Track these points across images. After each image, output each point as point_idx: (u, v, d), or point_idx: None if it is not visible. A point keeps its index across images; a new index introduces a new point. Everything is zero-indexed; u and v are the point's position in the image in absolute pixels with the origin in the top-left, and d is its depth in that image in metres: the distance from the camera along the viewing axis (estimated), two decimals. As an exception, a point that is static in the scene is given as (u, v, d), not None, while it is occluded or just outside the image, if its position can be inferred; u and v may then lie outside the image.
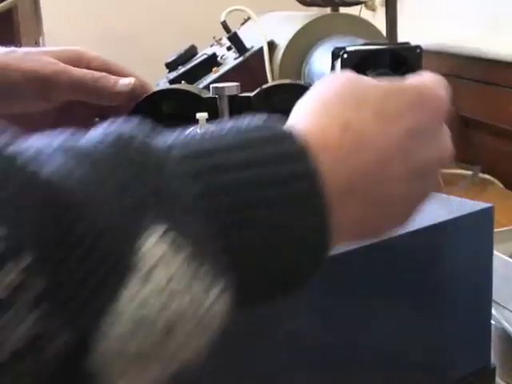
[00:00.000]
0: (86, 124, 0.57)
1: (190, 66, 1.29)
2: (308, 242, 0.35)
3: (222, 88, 0.51)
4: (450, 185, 1.20)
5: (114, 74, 0.60)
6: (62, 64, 0.58)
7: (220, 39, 1.42)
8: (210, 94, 0.55)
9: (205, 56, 1.32)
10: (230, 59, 1.27)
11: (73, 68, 0.58)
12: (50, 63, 0.57)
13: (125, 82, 0.57)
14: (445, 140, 0.44)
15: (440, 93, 0.44)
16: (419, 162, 0.40)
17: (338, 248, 0.50)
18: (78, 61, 0.60)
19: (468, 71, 1.46)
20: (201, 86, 1.22)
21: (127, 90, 0.57)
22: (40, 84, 0.56)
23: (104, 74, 0.58)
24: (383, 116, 0.39)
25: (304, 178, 0.34)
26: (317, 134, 0.36)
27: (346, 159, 0.37)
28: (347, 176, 0.37)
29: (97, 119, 0.61)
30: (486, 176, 1.30)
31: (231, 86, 0.50)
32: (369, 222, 0.40)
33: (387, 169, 0.39)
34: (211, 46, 1.46)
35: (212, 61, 1.29)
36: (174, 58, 1.35)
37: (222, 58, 1.31)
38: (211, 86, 0.51)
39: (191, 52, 1.38)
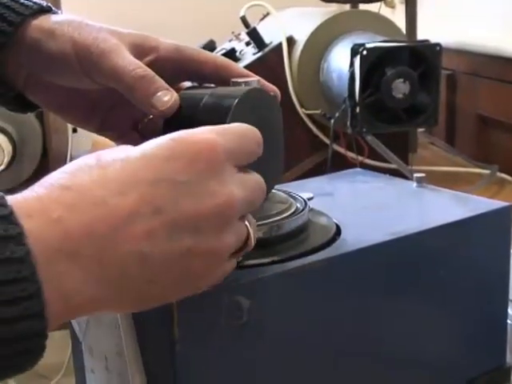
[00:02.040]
0: (130, 117, 0.56)
1: (209, 60, 1.29)
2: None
3: (241, 83, 0.51)
4: (467, 184, 1.20)
5: (190, 66, 0.52)
6: (116, 46, 0.50)
7: (239, 34, 1.42)
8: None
9: (223, 51, 1.32)
10: (249, 54, 1.27)
11: (122, 55, 0.49)
12: (103, 41, 0.50)
13: (162, 99, 0.48)
14: (215, 188, 0.38)
15: (205, 138, 0.39)
16: (173, 216, 0.37)
17: (352, 245, 0.50)
18: (143, 48, 0.51)
19: (487, 70, 1.45)
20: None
21: (161, 110, 0.48)
22: (86, 60, 0.49)
23: (150, 74, 0.49)
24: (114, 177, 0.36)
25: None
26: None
27: (60, 221, 0.34)
28: (62, 238, 0.34)
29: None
30: (504, 175, 1.29)
31: (251, 81, 0.50)
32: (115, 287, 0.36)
33: (124, 229, 0.35)
34: (230, 40, 1.46)
35: (231, 56, 1.29)
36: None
37: (240, 53, 1.31)
38: (231, 80, 0.51)
39: (210, 46, 1.39)
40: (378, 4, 1.52)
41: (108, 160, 0.37)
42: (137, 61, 0.50)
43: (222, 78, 0.52)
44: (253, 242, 0.42)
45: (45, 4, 0.53)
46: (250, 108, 0.48)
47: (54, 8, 0.54)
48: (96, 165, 0.37)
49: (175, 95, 0.49)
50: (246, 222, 0.41)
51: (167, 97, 0.48)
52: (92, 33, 0.51)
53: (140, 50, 0.51)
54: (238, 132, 0.42)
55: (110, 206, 0.36)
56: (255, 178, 0.42)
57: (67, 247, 0.34)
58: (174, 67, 0.52)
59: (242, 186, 0.40)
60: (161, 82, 0.49)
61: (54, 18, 0.52)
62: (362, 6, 1.52)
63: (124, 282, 0.36)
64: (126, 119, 0.56)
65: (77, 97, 0.55)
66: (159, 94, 0.48)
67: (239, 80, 0.51)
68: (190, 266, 0.38)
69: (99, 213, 0.35)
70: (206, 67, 0.52)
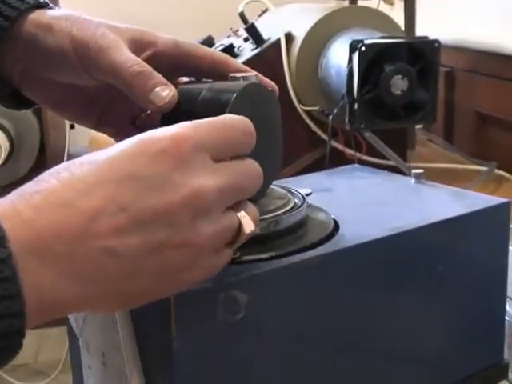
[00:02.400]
0: (129, 112, 0.56)
1: (207, 56, 1.29)
2: None
3: (240, 78, 0.51)
4: (465, 181, 1.20)
5: (188, 61, 0.52)
6: (114, 42, 0.49)
7: (237, 30, 1.42)
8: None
9: (222, 47, 1.31)
10: (247, 50, 1.27)
11: (120, 50, 0.49)
12: (102, 37, 0.49)
13: (160, 94, 0.48)
14: (180, 180, 0.38)
15: (170, 134, 0.39)
16: (139, 212, 0.37)
17: (350, 240, 0.50)
18: (141, 43, 0.51)
19: (485, 67, 1.45)
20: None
21: (159, 105, 0.48)
22: (84, 56, 0.49)
23: (148, 70, 0.48)
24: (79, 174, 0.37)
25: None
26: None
27: (30, 222, 0.35)
28: (34, 238, 0.35)
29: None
30: (502, 172, 1.29)
31: (249, 76, 0.50)
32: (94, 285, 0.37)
33: (91, 227, 0.36)
34: (228, 36, 1.45)
35: (229, 52, 1.29)
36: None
37: (238, 49, 1.30)
38: (229, 75, 0.51)
39: (208, 42, 1.39)
40: (377, 0, 1.52)
41: (76, 164, 0.38)
42: (135, 57, 0.49)
43: (220, 73, 0.52)
44: (246, 232, 0.41)
45: (45, 1, 0.53)
46: (248, 102, 0.48)
47: (50, 3, 0.54)
48: (65, 169, 0.38)
49: (173, 90, 0.48)
50: (240, 213, 0.41)
51: (165, 92, 0.48)
52: (90, 28, 0.50)
53: (138, 45, 0.51)
54: (216, 124, 0.41)
55: (77, 206, 0.36)
56: (243, 167, 0.42)
57: (39, 247, 0.35)
58: (171, 62, 0.52)
59: (219, 175, 0.40)
60: (159, 77, 0.49)
61: (51, 12, 0.52)
62: (361, 3, 1.52)
63: (100, 278, 0.37)
64: (124, 115, 0.55)
65: (74, 93, 0.55)
66: (157, 89, 0.48)
67: (237, 75, 0.51)
68: (165, 260, 0.38)
69: (66, 213, 0.36)
70: (203, 62, 0.52)
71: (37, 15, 0.51)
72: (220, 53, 0.54)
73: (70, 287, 0.36)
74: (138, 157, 0.38)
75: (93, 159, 0.38)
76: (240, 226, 0.41)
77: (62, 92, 0.54)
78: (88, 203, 0.37)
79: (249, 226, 0.41)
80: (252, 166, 0.42)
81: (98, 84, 0.52)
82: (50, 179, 0.37)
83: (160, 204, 0.37)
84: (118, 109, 0.55)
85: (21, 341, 0.35)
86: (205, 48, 0.53)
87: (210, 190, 0.39)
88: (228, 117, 0.43)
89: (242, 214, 0.41)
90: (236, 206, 0.41)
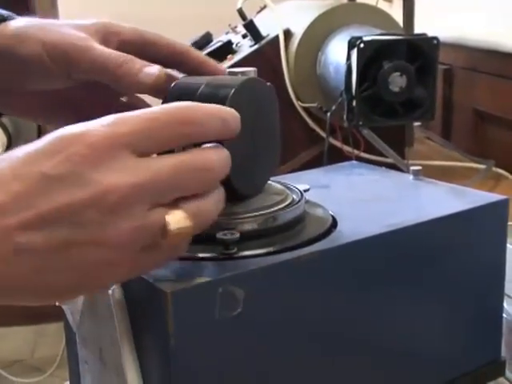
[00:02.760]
0: (108, 107, 0.56)
1: (205, 52, 1.29)
2: None
3: (238, 73, 0.51)
4: (463, 178, 1.20)
5: (150, 49, 0.53)
6: (87, 40, 0.51)
7: (235, 27, 1.42)
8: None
9: (220, 43, 1.31)
10: (245, 47, 1.26)
11: (97, 47, 0.51)
12: (74, 38, 0.51)
13: (149, 72, 0.49)
14: (90, 178, 0.37)
15: (84, 131, 0.39)
16: (45, 209, 0.37)
17: (348, 237, 0.50)
18: (107, 34, 0.53)
19: (484, 64, 1.45)
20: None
21: (150, 82, 0.49)
22: (60, 59, 0.50)
23: (130, 57, 0.50)
24: None
25: None
26: None
27: None
28: None
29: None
30: (500, 170, 1.29)
31: (248, 71, 0.50)
32: None
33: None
34: (226, 33, 1.45)
35: (227, 48, 1.28)
36: (188, 44, 1.35)
37: (237, 45, 1.30)
38: (228, 70, 0.51)
39: (206, 39, 1.38)
40: (376, -3, 1.52)
41: None
42: (113, 50, 0.51)
43: (180, 61, 0.54)
44: (171, 229, 0.39)
45: (4, 12, 0.54)
46: (246, 98, 0.48)
47: (12, 15, 0.54)
48: None
49: (160, 67, 0.50)
50: (174, 210, 0.39)
51: (153, 69, 0.49)
52: (58, 31, 0.52)
53: (106, 38, 0.53)
54: (142, 116, 0.40)
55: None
56: (178, 160, 0.40)
57: None
58: (135, 51, 0.53)
59: (140, 171, 0.38)
60: (141, 61, 0.50)
61: (14, 23, 0.53)
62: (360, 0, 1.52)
63: (8, 272, 0.37)
64: (100, 112, 0.56)
65: (52, 99, 0.55)
66: (145, 69, 0.49)
67: (236, 70, 0.50)
68: (75, 257, 0.38)
69: None
70: (165, 51, 0.54)
71: (1, 29, 0.52)
72: (182, 44, 0.55)
73: None
74: (52, 155, 0.37)
75: (11, 155, 0.38)
76: (165, 223, 0.39)
77: (40, 100, 0.55)
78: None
79: (177, 224, 0.39)
80: (197, 158, 0.40)
81: (73, 86, 0.53)
82: None
83: (65, 202, 0.37)
84: (94, 107, 0.56)
85: None
86: (167, 38, 0.55)
87: (125, 187, 0.38)
88: (161, 108, 0.41)
89: (172, 212, 0.39)
90: (175, 203, 0.40)
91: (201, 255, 0.46)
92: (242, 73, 0.50)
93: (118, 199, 0.37)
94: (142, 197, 0.38)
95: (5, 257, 0.36)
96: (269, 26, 1.27)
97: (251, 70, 0.50)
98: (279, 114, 0.52)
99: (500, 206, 0.58)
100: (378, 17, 1.24)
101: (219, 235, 0.46)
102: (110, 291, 0.45)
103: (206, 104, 0.42)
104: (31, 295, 0.39)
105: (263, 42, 1.23)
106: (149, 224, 0.39)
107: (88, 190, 0.37)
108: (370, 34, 1.07)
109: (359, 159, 1.01)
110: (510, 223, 0.59)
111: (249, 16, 1.32)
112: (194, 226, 0.40)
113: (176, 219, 0.39)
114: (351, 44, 1.05)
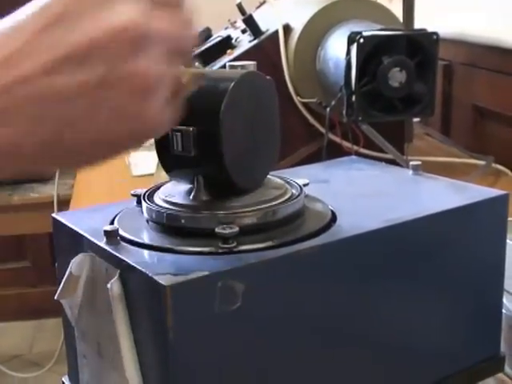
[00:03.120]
0: None
1: (205, 47, 1.29)
2: None
3: (238, 67, 0.50)
4: (462, 175, 1.20)
5: None
6: None
7: (235, 22, 1.41)
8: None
9: (219, 38, 1.31)
10: (245, 42, 1.26)
11: None
12: None
13: None
14: (109, 14, 0.36)
15: None
16: (67, 50, 0.35)
17: (347, 231, 0.50)
18: None
19: (484, 60, 1.44)
20: (215, 68, 1.22)
21: None
22: None
23: None
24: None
25: None
26: None
27: None
28: None
29: None
30: (499, 166, 1.29)
31: (248, 65, 0.50)
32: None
33: (16, 66, 0.34)
34: (226, 28, 1.45)
35: (226, 43, 1.28)
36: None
37: (236, 40, 1.30)
38: (227, 63, 0.51)
39: (206, 34, 1.38)
40: (376, -7, 1.51)
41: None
42: None
43: None
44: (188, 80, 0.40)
45: None
46: (246, 91, 0.47)
47: None
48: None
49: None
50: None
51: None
52: None
53: None
54: None
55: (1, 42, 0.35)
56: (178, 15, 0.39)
57: None
58: None
59: (159, 18, 0.37)
60: None
61: None
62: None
63: (34, 130, 0.35)
64: None
65: None
66: None
67: (236, 64, 0.50)
68: (110, 97, 0.36)
69: None
70: None
71: None
72: None
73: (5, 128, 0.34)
74: None
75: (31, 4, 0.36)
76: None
77: None
78: (13, 41, 0.35)
79: (191, 77, 0.40)
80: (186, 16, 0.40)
81: None
82: None
83: (90, 39, 0.35)
84: None
85: None
86: None
87: (145, 25, 0.36)
88: None
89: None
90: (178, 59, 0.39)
91: (200, 249, 0.46)
92: (242, 66, 0.50)
93: (137, 33, 0.36)
94: (158, 39, 0.37)
95: (31, 108, 0.35)
96: (268, 21, 1.27)
97: (251, 64, 0.50)
98: (278, 110, 0.52)
99: (499, 201, 0.58)
100: (377, 12, 1.24)
101: (218, 229, 0.46)
102: (108, 285, 0.45)
103: None
104: (57, 150, 0.37)
105: (263, 37, 1.23)
106: (171, 73, 0.38)
107: (110, 23, 0.35)
108: (369, 30, 1.07)
109: (358, 155, 1.01)
110: (509, 219, 0.59)
111: (248, 11, 1.32)
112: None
113: (189, 75, 0.41)
114: (351, 39, 1.05)
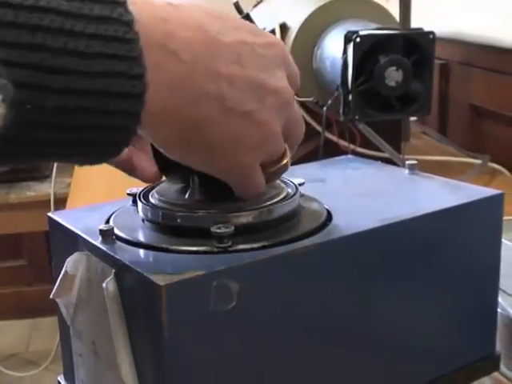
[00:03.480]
0: None
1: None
2: (118, 79, 0.36)
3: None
4: (458, 173, 1.20)
5: None
6: None
7: (232, 20, 1.41)
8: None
9: (216, 37, 1.31)
10: (242, 40, 1.26)
11: None
12: None
13: None
14: (280, 75, 0.46)
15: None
16: (251, 76, 0.43)
17: (343, 231, 0.50)
18: None
19: (480, 60, 1.45)
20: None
21: None
22: None
23: None
24: (222, 19, 0.43)
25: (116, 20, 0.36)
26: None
27: (166, 21, 0.39)
28: (167, 36, 0.39)
29: None
30: (495, 165, 1.29)
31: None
32: (191, 89, 0.40)
33: (217, 59, 0.41)
34: (223, 27, 1.44)
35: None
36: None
37: (233, 39, 1.30)
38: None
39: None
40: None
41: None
42: None
43: None
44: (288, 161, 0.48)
45: None
46: None
47: None
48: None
49: None
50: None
51: None
52: None
53: None
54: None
55: (210, 34, 0.41)
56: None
57: (170, 45, 0.39)
58: None
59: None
60: None
61: None
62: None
63: (204, 101, 0.41)
64: None
65: None
66: None
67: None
68: (245, 133, 0.43)
69: (200, 35, 0.40)
70: None
71: None
72: None
73: (178, 97, 0.40)
74: (258, 34, 0.45)
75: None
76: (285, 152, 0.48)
77: None
78: (221, 38, 0.41)
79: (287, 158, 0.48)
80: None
81: None
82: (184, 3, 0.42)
83: (263, 79, 0.43)
84: None
85: (135, 122, 0.38)
86: None
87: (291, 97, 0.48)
88: None
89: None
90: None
91: (195, 249, 0.46)
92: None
93: (288, 99, 0.46)
94: (295, 116, 0.49)
95: (213, 85, 0.41)
96: (265, 20, 1.27)
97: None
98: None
99: (495, 200, 0.58)
100: (374, 11, 1.24)
101: (213, 229, 0.46)
102: (104, 284, 0.45)
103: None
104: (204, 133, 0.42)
105: (259, 35, 1.23)
106: (282, 140, 0.47)
107: (276, 83, 0.45)
108: (366, 29, 1.07)
109: (355, 154, 1.01)
110: (505, 218, 0.59)
111: (245, 10, 1.32)
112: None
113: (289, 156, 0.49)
114: (347, 38, 1.05)
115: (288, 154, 0.48)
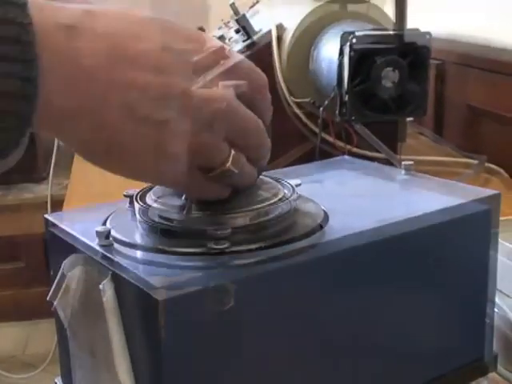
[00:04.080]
0: None
1: (198, 47, 1.29)
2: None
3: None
4: (455, 174, 1.20)
5: None
6: None
7: (228, 22, 1.41)
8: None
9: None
10: (238, 42, 1.26)
11: None
12: None
13: None
14: (213, 85, 0.44)
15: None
16: (169, 84, 0.41)
17: (340, 231, 0.50)
18: None
19: (477, 60, 1.45)
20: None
21: None
22: None
23: None
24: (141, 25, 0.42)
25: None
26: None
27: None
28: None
29: None
30: (492, 166, 1.30)
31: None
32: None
33: (126, 62, 0.40)
34: (219, 28, 1.45)
35: (220, 43, 1.28)
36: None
37: (229, 40, 1.30)
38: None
39: (199, 34, 1.38)
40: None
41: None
42: None
43: None
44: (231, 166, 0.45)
45: None
46: None
47: None
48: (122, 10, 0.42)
49: None
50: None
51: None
52: None
53: None
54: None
55: (122, 42, 0.40)
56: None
57: (71, 51, 0.38)
58: None
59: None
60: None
61: None
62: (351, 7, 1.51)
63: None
64: None
65: None
66: None
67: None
68: (164, 141, 0.42)
69: (109, 43, 0.40)
70: None
71: None
72: None
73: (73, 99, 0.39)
74: (189, 39, 0.44)
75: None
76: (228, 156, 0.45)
77: None
78: (141, 43, 0.41)
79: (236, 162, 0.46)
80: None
81: None
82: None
83: (192, 89, 0.42)
84: None
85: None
86: None
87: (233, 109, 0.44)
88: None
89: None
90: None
91: (192, 250, 0.46)
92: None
93: (223, 108, 0.43)
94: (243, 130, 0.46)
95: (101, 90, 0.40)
96: (261, 21, 1.27)
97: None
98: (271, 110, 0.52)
99: (492, 200, 0.58)
100: (371, 12, 1.24)
101: (210, 230, 0.46)
102: (100, 286, 0.45)
103: None
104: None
105: (256, 37, 1.23)
106: (221, 147, 0.45)
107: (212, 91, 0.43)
108: (362, 29, 1.07)
109: (351, 154, 1.01)
110: (501, 218, 0.59)
111: (241, 11, 1.32)
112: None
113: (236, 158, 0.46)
114: (344, 39, 1.05)
115: (238, 157, 0.46)
